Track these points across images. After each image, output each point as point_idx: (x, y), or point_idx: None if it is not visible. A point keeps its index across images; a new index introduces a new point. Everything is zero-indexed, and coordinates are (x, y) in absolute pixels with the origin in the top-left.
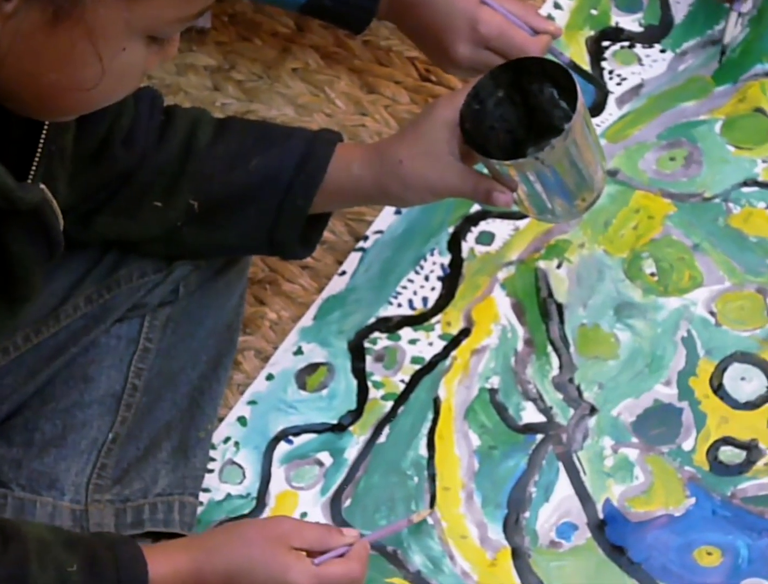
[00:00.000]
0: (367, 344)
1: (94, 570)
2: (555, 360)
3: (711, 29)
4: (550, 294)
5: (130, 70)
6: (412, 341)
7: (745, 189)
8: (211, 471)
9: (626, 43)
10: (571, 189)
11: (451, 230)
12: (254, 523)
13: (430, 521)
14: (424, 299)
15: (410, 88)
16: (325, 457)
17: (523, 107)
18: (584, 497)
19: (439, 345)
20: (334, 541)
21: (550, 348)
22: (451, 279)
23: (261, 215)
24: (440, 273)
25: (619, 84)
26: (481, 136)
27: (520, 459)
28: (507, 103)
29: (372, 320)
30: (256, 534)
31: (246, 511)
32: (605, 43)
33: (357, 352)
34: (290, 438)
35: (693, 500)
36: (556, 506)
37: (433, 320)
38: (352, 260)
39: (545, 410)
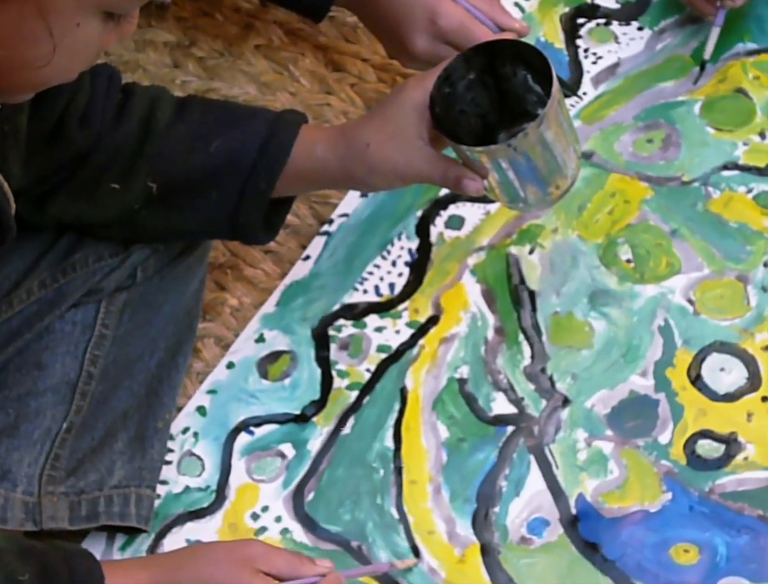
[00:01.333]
0: (331, 332)
1: (46, 581)
2: (527, 349)
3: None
4: (522, 281)
5: (84, 47)
6: (379, 329)
7: (725, 173)
8: (168, 462)
9: (602, 21)
10: (544, 176)
11: (419, 213)
12: (221, 544)
13: (395, 515)
14: (391, 286)
15: (377, 66)
16: (287, 449)
17: (496, 91)
18: (556, 492)
19: (407, 333)
20: (304, 570)
21: (521, 337)
22: (419, 265)
23: (222, 198)
24: (408, 258)
25: (594, 63)
26: (452, 120)
27: (490, 452)
28: (479, 86)
29: (337, 306)
30: (222, 554)
31: (205, 504)
32: (580, 21)
33: (321, 340)
34: (251, 428)
35: (669, 495)
36: (527, 501)
37: (401, 307)
38: (317, 245)
39: (516, 402)
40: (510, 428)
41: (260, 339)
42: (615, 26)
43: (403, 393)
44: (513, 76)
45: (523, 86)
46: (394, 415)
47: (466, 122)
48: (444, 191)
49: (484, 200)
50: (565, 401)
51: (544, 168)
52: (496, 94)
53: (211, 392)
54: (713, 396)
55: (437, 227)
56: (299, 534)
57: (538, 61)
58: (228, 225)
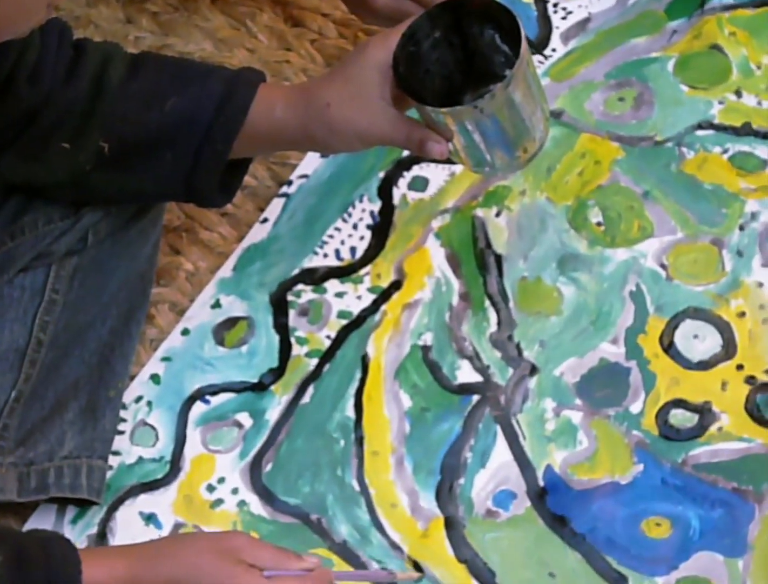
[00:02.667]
0: (290, 298)
1: (21, 565)
2: (493, 316)
3: None
4: (488, 245)
5: (30, 0)
6: (339, 295)
7: (700, 132)
8: (121, 432)
9: None
10: (511, 139)
11: (381, 175)
12: (204, 534)
13: (356, 488)
14: (352, 249)
15: (338, 21)
16: (244, 418)
17: (462, 50)
18: (523, 463)
19: (368, 299)
20: (290, 564)
21: (487, 303)
22: (382, 228)
23: (177, 159)
24: (370, 221)
25: (564, 18)
26: (416, 80)
27: (455, 422)
28: (445, 45)
29: (296, 271)
30: (205, 544)
31: (159, 476)
32: None
33: (279, 306)
34: (207, 397)
35: (641, 467)
36: (494, 473)
37: (362, 271)
38: (275, 207)
39: (482, 370)
40: (475, 398)
41: (216, 305)
42: None
43: (365, 361)
44: (480, 35)
45: (490, 46)
46: (355, 384)
47: (430, 83)
48: (408, 152)
49: (449, 160)
50: (533, 370)
51: (511, 131)
52: (462, 54)
53: (166, 359)
54: (686, 364)
55: (400, 189)
56: (256, 506)
57: (506, 19)
58: (183, 187)
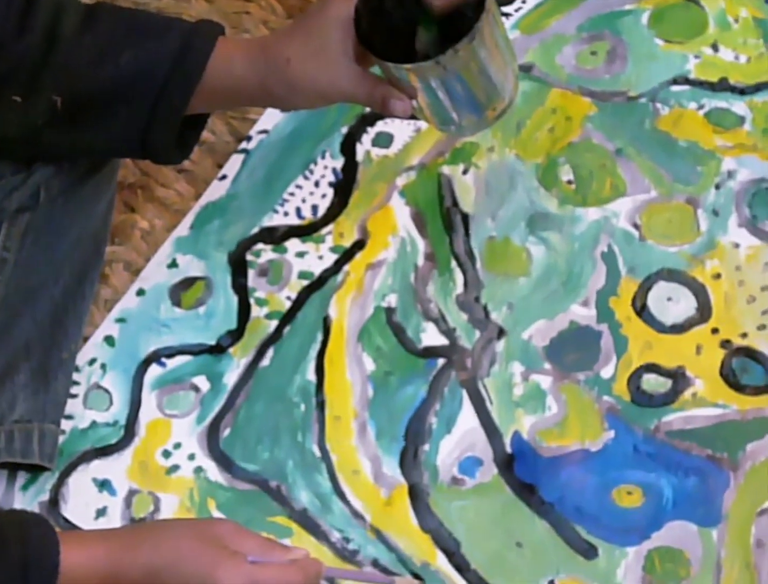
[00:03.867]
0: (249, 257)
1: None
2: (459, 277)
3: None
4: (455, 203)
5: None
6: (300, 254)
7: (675, 88)
8: (74, 396)
9: None
10: (478, 97)
11: (344, 130)
12: (189, 520)
13: (317, 454)
14: (314, 208)
15: None
16: (201, 382)
17: (428, 5)
18: (490, 429)
19: (330, 259)
20: (276, 554)
21: (454, 264)
22: (345, 186)
23: (132, 114)
24: (332, 179)
25: None
26: (379, 36)
27: (420, 387)
28: (410, 0)
29: (255, 230)
30: (188, 530)
31: (113, 441)
32: None
33: (238, 265)
34: (163, 360)
35: (612, 433)
36: (459, 439)
37: (324, 230)
38: (234, 163)
39: (448, 333)
40: (441, 361)
41: (173, 264)
42: None
43: (327, 323)
44: None
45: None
46: (317, 346)
47: (394, 39)
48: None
49: (414, 117)
50: (501, 333)
51: (478, 88)
52: (427, 8)
53: (120, 320)
54: (660, 328)
55: (364, 145)
56: (214, 473)
57: None
58: (138, 143)
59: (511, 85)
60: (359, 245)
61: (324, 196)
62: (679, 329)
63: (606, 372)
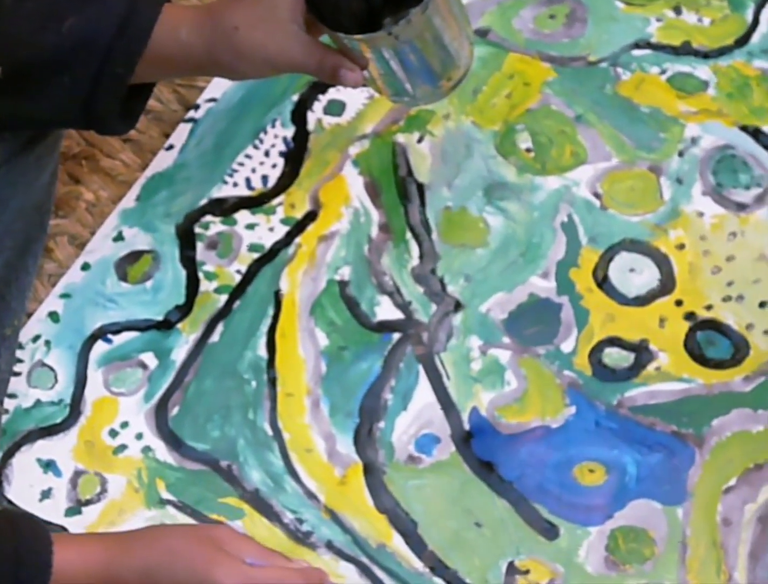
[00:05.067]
0: (198, 230)
1: None
2: (415, 248)
3: None
4: (410, 172)
5: None
6: (250, 226)
7: (637, 52)
8: (17, 373)
9: None
10: (433, 68)
11: (295, 98)
12: (187, 525)
13: (269, 432)
14: (264, 178)
15: None
16: (149, 358)
17: None
18: (448, 405)
19: (281, 231)
20: (276, 559)
21: (409, 235)
22: (296, 155)
23: (75, 84)
24: (283, 148)
25: None
26: (329, 4)
27: (374, 362)
28: None
29: (204, 201)
30: (185, 531)
31: (58, 420)
32: None
33: (186, 238)
34: (109, 336)
35: (573, 409)
36: (416, 415)
37: (275, 201)
38: (181, 133)
39: (403, 306)
40: (396, 336)
41: (119, 237)
42: None
43: (278, 297)
44: None
45: None
46: (268, 321)
47: (347, 5)
48: None
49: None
50: (458, 306)
51: (432, 58)
52: None
53: (65, 296)
54: (622, 300)
55: (315, 113)
56: (162, 452)
57: None
58: (81, 113)
59: (467, 53)
60: (311, 216)
61: (274, 166)
62: (642, 301)
63: (567, 346)
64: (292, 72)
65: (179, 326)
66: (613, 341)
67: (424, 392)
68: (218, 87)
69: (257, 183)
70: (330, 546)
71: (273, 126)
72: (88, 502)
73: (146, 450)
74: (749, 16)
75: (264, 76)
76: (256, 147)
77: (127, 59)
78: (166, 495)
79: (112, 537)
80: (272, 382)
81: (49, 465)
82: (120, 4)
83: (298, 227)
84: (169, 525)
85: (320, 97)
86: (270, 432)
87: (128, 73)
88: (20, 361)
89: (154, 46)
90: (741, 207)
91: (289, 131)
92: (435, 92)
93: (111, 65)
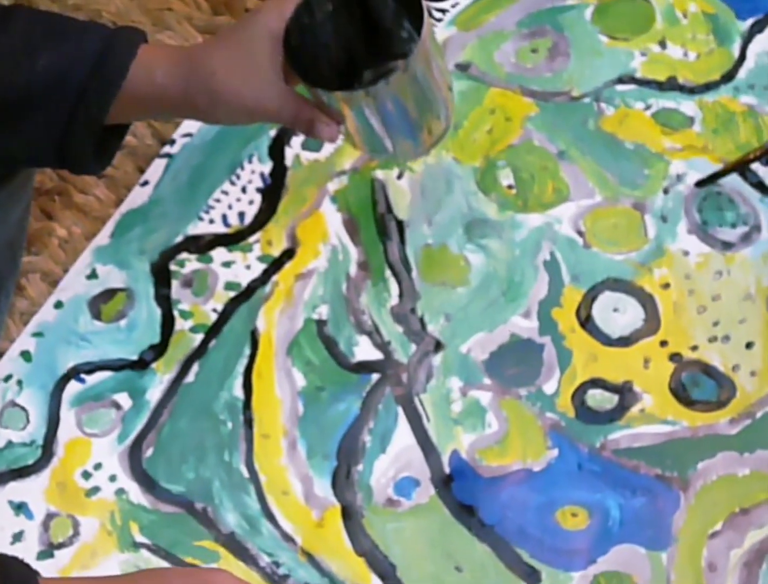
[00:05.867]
0: (173, 267)
1: None
2: (394, 287)
3: None
4: (389, 209)
5: None
6: (226, 264)
7: (620, 87)
8: None
9: None
10: (413, 124)
11: (273, 133)
12: (183, 568)
13: (245, 474)
14: (241, 215)
15: None
16: (123, 399)
17: (363, 23)
18: (428, 448)
19: (258, 268)
20: None
21: (388, 273)
22: (273, 191)
23: (49, 123)
24: (260, 184)
25: None
26: (308, 55)
27: (353, 403)
28: (344, 16)
29: (179, 238)
30: (180, 576)
31: (30, 461)
32: None
33: (161, 276)
34: (82, 376)
35: (555, 452)
36: (395, 458)
37: (252, 239)
38: (157, 168)
39: (382, 346)
40: (375, 376)
41: (92, 275)
42: None
43: (255, 336)
44: (383, 7)
45: (392, 19)
46: (244, 361)
47: (327, 55)
48: None
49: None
50: (438, 346)
51: (412, 114)
52: (363, 27)
53: (37, 334)
54: (605, 340)
55: (293, 148)
56: (136, 494)
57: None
58: (55, 153)
59: (448, 108)
60: (288, 253)
61: (251, 202)
62: (625, 341)
63: (549, 387)
64: (267, 122)
65: (154, 365)
66: (597, 383)
67: (403, 435)
68: (194, 122)
69: (234, 220)
70: None
71: (250, 161)
72: (60, 545)
73: (120, 492)
74: (736, 50)
75: (239, 124)
76: (232, 183)
77: (101, 100)
78: (139, 538)
79: (106, 581)
80: (248, 423)
81: (20, 508)
82: (95, 43)
83: (275, 265)
84: (165, 569)
85: (298, 132)
86: (246, 474)
87: (102, 114)
88: None
89: (129, 87)
90: (727, 246)
91: (267, 167)
92: (415, 149)
93: (85, 106)
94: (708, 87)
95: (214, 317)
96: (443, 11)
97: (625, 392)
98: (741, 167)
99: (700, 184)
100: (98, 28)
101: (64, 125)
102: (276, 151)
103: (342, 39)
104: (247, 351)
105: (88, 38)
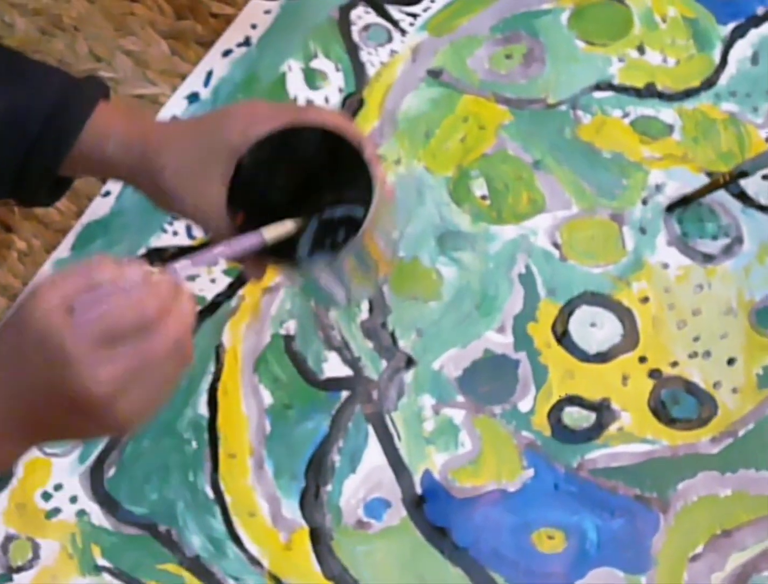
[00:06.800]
0: None
1: None
2: (364, 301)
3: None
4: None
5: None
6: (191, 278)
7: (598, 94)
8: None
9: None
10: (354, 284)
11: None
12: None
13: (210, 495)
14: None
15: None
16: None
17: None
18: (399, 468)
19: (224, 282)
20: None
21: None
22: None
23: (4, 160)
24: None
25: None
26: (251, 203)
27: (321, 421)
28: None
29: (142, 250)
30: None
31: None
32: None
33: None
34: None
35: (531, 472)
36: (365, 478)
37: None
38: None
39: (352, 362)
40: (344, 394)
41: None
42: None
43: (220, 352)
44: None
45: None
46: (209, 377)
47: (268, 212)
48: None
49: None
50: (409, 362)
51: (353, 277)
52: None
53: None
54: (582, 356)
55: None
56: (98, 516)
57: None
58: (9, 188)
59: (390, 252)
60: None
61: None
62: (603, 357)
63: (524, 405)
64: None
65: None
66: (574, 400)
67: (373, 454)
68: None
69: (198, 232)
70: None
71: None
72: (19, 569)
73: (81, 513)
74: (716, 56)
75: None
76: None
77: (55, 154)
78: (101, 562)
79: None
80: (213, 442)
81: None
82: (54, 92)
83: (241, 279)
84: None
85: None
86: (211, 495)
87: (56, 166)
88: None
89: (81, 149)
90: (708, 258)
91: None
92: (359, 297)
93: (39, 155)
94: (688, 94)
95: None
96: (414, 15)
97: (602, 410)
98: (710, 191)
99: (670, 208)
100: (59, 74)
101: (20, 165)
102: None
103: (290, 184)
104: (212, 367)
105: (48, 82)
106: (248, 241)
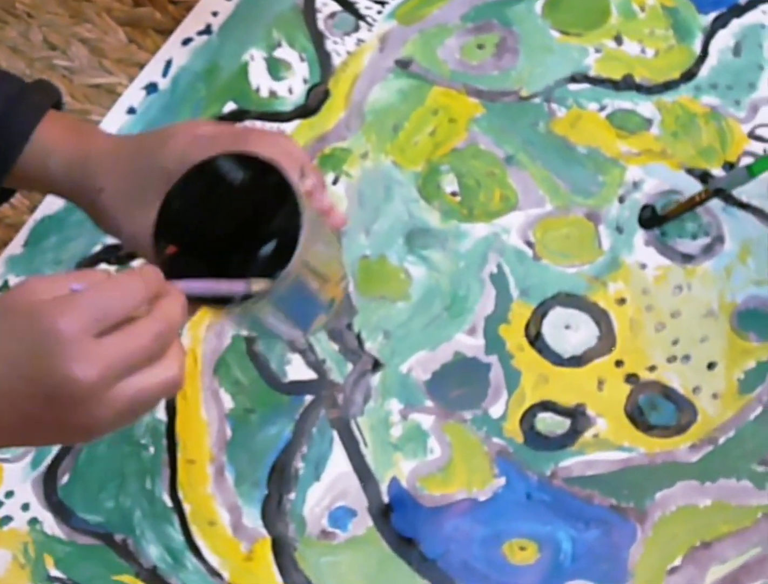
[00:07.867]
0: None
1: None
2: None
3: None
4: None
5: None
6: None
7: (573, 86)
8: None
9: None
10: (295, 321)
11: None
12: None
13: (168, 503)
14: None
15: None
16: None
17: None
18: (365, 475)
19: None
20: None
21: None
22: None
23: None
24: None
25: None
26: (193, 214)
27: (284, 426)
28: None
29: (97, 247)
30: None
31: None
32: None
33: None
34: None
35: (502, 480)
36: (330, 486)
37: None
38: None
39: (316, 365)
40: (308, 398)
41: (4, 287)
42: None
43: None
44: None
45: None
46: None
47: (210, 225)
48: (229, 107)
49: (279, 116)
50: (376, 365)
51: (293, 314)
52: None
53: None
54: (556, 360)
55: None
56: (51, 525)
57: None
58: None
59: (334, 304)
60: None
61: None
62: (578, 361)
63: (496, 410)
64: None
65: None
66: (547, 406)
67: (338, 461)
68: (114, 122)
69: None
70: None
71: None
72: None
73: (33, 522)
74: (697, 47)
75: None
76: None
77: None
78: (54, 572)
79: None
80: (172, 448)
81: None
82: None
83: None
84: None
85: None
86: (169, 503)
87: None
88: None
89: (23, 163)
90: (687, 258)
91: None
92: (305, 332)
93: None
94: (667, 86)
95: None
96: (383, 3)
97: (577, 416)
98: (687, 210)
99: (646, 225)
100: (12, 79)
101: None
102: None
103: (223, 215)
104: None
105: None
106: (234, 287)
